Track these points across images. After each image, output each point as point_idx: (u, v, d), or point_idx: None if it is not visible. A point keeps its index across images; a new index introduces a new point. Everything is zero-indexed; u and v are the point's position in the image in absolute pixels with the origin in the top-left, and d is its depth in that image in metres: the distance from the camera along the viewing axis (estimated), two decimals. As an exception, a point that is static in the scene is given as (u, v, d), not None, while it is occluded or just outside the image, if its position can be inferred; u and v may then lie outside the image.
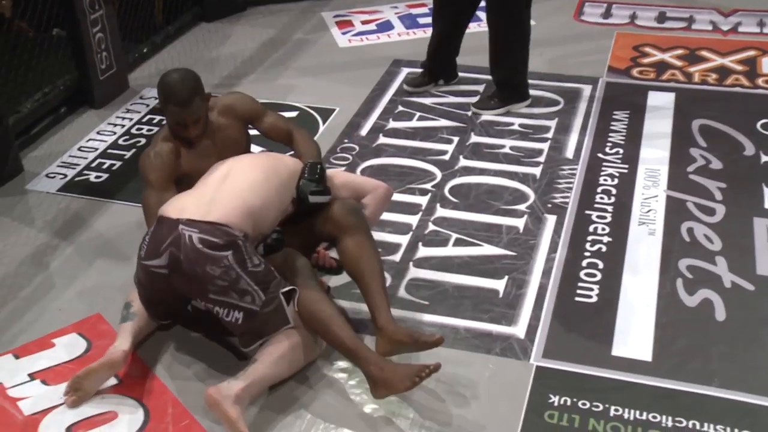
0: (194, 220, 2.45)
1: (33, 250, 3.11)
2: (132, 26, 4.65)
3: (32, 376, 2.52)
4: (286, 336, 2.43)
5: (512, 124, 3.84)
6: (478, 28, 4.88)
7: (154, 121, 3.98)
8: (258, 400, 2.40)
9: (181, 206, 2.53)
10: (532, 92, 4.09)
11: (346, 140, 3.76)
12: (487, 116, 3.90)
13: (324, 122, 3.92)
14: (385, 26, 5.00)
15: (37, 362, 2.58)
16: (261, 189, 2.59)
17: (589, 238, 3.06)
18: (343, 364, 2.53)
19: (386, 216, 3.19)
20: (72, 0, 3.88)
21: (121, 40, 4.28)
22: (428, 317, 2.72)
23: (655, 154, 3.56)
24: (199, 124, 2.76)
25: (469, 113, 3.94)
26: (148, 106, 4.12)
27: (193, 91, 2.73)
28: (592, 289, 2.82)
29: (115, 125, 3.96)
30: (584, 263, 2.94)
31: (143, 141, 3.81)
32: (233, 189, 2.56)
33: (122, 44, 4.28)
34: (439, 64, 4.14)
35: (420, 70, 4.20)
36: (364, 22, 5.06)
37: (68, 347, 2.63)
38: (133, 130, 3.91)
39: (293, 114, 4.01)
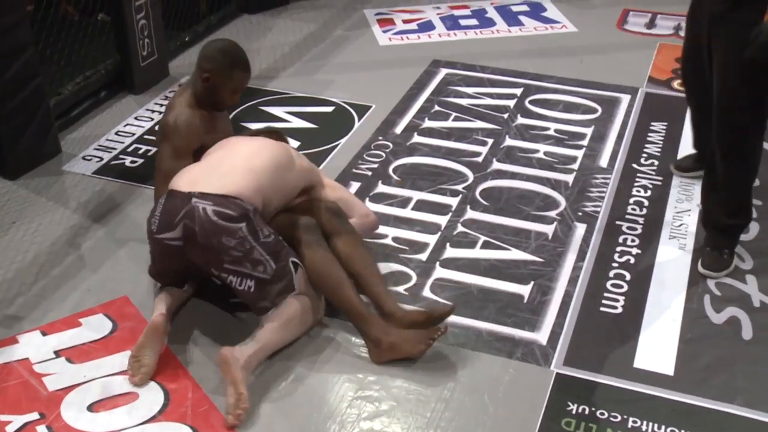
0: (207, 192, 2.52)
1: (66, 230, 3.16)
2: (175, 14, 4.69)
3: (58, 354, 2.57)
4: (291, 302, 2.51)
5: (548, 129, 3.82)
6: (520, 32, 4.88)
7: (192, 110, 4.01)
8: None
9: (192, 179, 2.59)
10: (569, 99, 4.08)
11: (380, 137, 3.76)
12: (521, 121, 3.89)
13: (360, 118, 3.93)
14: (427, 26, 4.99)
15: (63, 340, 2.62)
16: (271, 173, 2.67)
17: (618, 248, 3.04)
18: (362, 358, 2.54)
19: (415, 215, 3.22)
20: (118, -14, 3.94)
21: (164, 27, 4.33)
22: (451, 318, 2.70)
23: (690, 167, 3.52)
24: None
25: (505, 116, 3.92)
26: (186, 94, 4.16)
27: None
28: (617, 300, 2.79)
29: (153, 111, 4.00)
30: (611, 274, 2.91)
31: (180, 128, 3.85)
32: (246, 165, 2.64)
33: (164, 32, 4.33)
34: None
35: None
36: (405, 21, 5.06)
37: (94, 327, 2.67)
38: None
39: (329, 109, 4.02)
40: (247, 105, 4.04)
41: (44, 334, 2.65)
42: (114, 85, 4.13)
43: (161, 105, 4.06)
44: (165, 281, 2.70)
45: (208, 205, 2.49)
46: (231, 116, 3.95)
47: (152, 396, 2.42)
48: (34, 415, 2.35)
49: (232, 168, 2.62)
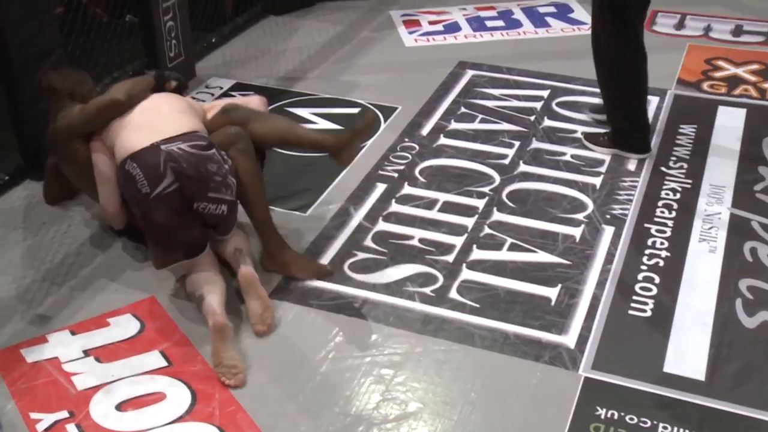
0: (168, 137, 2.69)
1: (94, 231, 3.17)
2: (202, 15, 4.72)
3: (87, 353, 2.58)
4: (243, 236, 2.88)
5: (575, 131, 3.80)
6: (547, 33, 4.86)
7: (219, 111, 4.03)
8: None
9: (143, 136, 2.72)
10: (596, 101, 4.04)
11: (406, 139, 3.76)
12: (548, 123, 3.87)
13: (386, 120, 3.92)
14: (453, 27, 4.98)
15: (92, 339, 2.64)
16: (192, 112, 2.93)
17: (647, 251, 3.01)
18: (389, 360, 2.54)
19: (442, 216, 3.21)
20: (146, -12, 3.96)
21: (191, 29, 4.34)
22: (478, 320, 2.71)
23: (721, 170, 3.48)
24: None
25: (532, 118, 3.90)
26: (213, 95, 4.18)
27: None
28: (646, 304, 2.77)
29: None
30: (640, 277, 2.89)
31: (207, 129, 3.87)
32: (177, 110, 2.86)
33: (191, 33, 4.35)
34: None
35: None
36: (431, 23, 5.05)
37: (122, 327, 2.69)
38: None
39: (355, 110, 4.02)
40: (274, 106, 4.04)
41: (73, 333, 2.67)
42: (142, 86, 4.14)
43: (188, 106, 4.08)
44: (188, 245, 2.72)
45: (179, 144, 2.66)
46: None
47: (180, 396, 2.42)
48: (64, 414, 2.37)
49: (168, 116, 2.81)
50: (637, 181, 3.42)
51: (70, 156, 2.97)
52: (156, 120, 2.80)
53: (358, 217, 3.22)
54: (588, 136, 3.69)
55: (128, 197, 2.76)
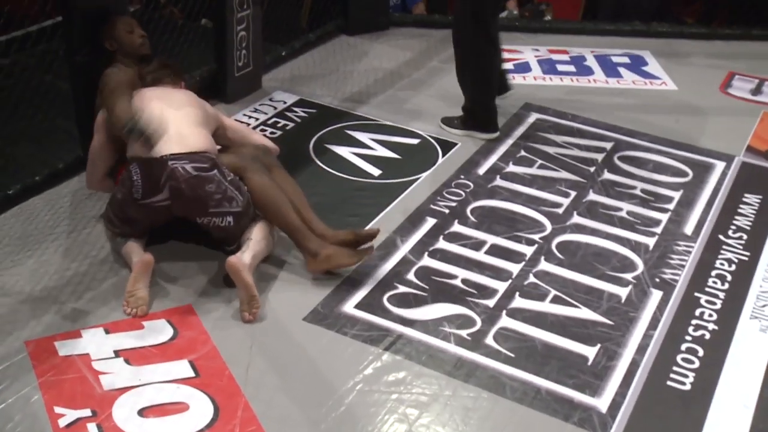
0: (176, 153, 2.85)
1: (142, 230, 3.20)
2: (275, 27, 4.75)
3: (117, 353, 2.59)
4: (259, 226, 2.96)
5: (635, 188, 3.72)
6: (618, 84, 4.78)
7: (279, 125, 4.05)
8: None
9: (158, 143, 2.84)
10: (660, 159, 3.96)
11: (462, 176, 3.72)
12: (608, 176, 3.80)
13: (444, 154, 3.89)
14: (523, 67, 4.94)
15: (124, 341, 2.65)
16: (206, 123, 3.08)
17: (694, 321, 2.92)
18: (416, 399, 2.50)
19: (488, 259, 3.16)
20: (223, -5, 4.01)
21: (262, 39, 4.37)
22: (511, 370, 2.65)
23: (781, 245, 3.38)
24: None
25: (592, 169, 3.84)
26: (275, 108, 4.20)
27: None
28: (687, 376, 2.68)
29: (241, 123, 4.05)
30: (683, 347, 2.80)
31: (265, 142, 3.88)
32: (191, 122, 2.99)
33: (262, 45, 4.37)
34: None
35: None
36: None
37: (156, 332, 2.69)
38: (257, 130, 3.98)
39: (415, 141, 4.00)
40: (333, 127, 4.05)
41: (107, 332, 2.68)
42: (207, 92, 4.16)
43: (249, 117, 4.11)
44: (137, 236, 2.98)
45: (185, 164, 2.83)
46: (317, 137, 3.99)
47: (202, 409, 2.42)
48: (87, 412, 2.38)
49: (181, 128, 2.94)
50: (692, 246, 3.33)
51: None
52: (172, 127, 2.91)
53: (404, 249, 3.19)
54: (444, 120, 4.08)
55: (121, 188, 2.93)
